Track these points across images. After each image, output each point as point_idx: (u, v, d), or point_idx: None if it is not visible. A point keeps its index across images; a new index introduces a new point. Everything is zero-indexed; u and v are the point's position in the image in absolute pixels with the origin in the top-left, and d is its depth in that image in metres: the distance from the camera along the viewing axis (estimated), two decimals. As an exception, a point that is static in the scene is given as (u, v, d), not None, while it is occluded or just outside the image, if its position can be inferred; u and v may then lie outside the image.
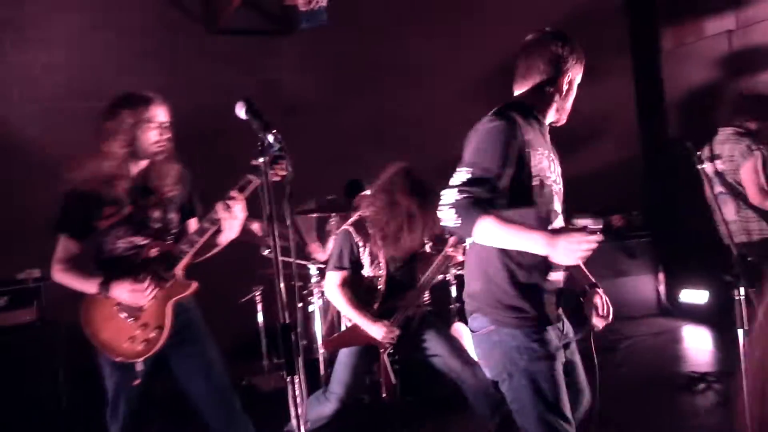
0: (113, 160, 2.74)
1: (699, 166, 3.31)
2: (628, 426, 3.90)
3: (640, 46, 7.56)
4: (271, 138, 2.00)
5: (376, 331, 3.51)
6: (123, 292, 2.72)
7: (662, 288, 6.54)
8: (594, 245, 2.05)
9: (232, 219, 2.70)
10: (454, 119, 6.66)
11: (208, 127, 5.87)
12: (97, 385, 2.90)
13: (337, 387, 3.56)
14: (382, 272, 3.58)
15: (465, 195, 2.12)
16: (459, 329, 4.50)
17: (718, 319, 5.47)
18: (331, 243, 4.80)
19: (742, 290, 2.67)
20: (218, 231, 2.80)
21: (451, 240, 3.66)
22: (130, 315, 2.76)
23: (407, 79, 6.64)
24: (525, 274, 2.30)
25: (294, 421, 1.84)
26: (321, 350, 4.34)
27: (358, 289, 3.61)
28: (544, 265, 2.28)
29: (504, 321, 2.31)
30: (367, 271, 3.60)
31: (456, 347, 3.68)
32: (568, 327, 2.49)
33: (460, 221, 2.11)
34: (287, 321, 1.81)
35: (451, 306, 4.96)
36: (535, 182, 2.29)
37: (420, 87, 6.69)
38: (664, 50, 7.39)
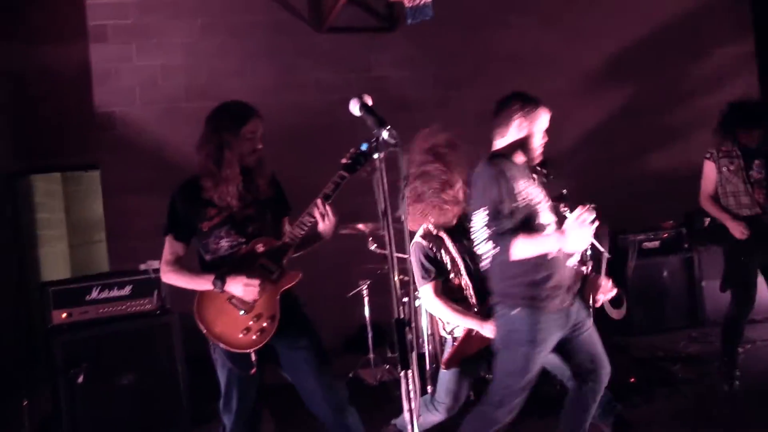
0: (213, 168, 2.89)
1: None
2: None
3: (765, 29, 7.07)
4: (385, 134, 2.02)
5: (489, 329, 3.38)
6: (238, 286, 2.83)
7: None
8: (590, 222, 2.74)
9: (326, 221, 2.89)
10: (564, 112, 6.53)
11: (316, 124, 6.02)
12: (212, 372, 3.02)
13: (445, 397, 3.48)
14: (463, 271, 3.45)
15: (494, 229, 2.85)
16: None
17: None
18: None
19: None
20: (317, 227, 2.94)
21: None
22: (244, 307, 2.86)
23: (516, 71, 6.53)
24: (532, 272, 2.94)
25: (407, 416, 1.85)
26: (442, 368, 4.22)
27: (452, 297, 3.47)
28: (548, 263, 2.94)
29: (515, 304, 2.99)
30: (450, 275, 3.51)
31: None
32: (578, 309, 3.11)
33: (498, 249, 2.85)
34: (401, 316, 1.82)
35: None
36: (522, 203, 2.94)
37: (530, 79, 6.54)
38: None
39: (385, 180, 1.98)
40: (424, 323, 4.39)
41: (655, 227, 6.20)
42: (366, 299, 5.07)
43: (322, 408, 2.99)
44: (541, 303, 2.95)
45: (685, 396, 4.39)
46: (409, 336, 1.88)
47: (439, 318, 3.54)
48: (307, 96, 6.21)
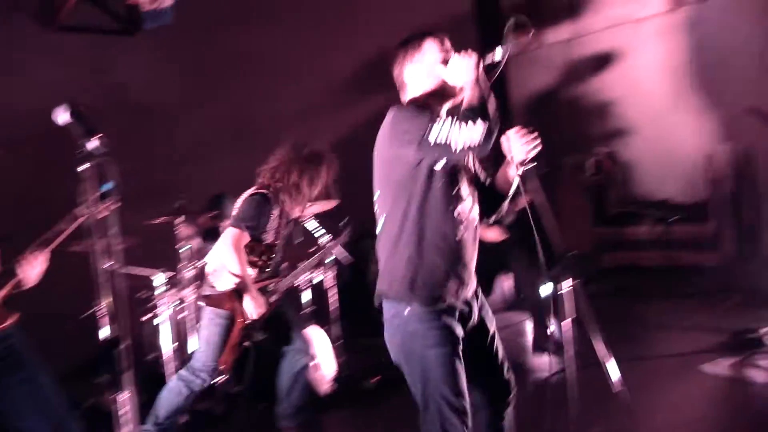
0: None
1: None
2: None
3: (487, 53, 7.90)
4: (94, 144, 1.90)
5: (257, 304, 3.47)
6: None
7: (507, 284, 6.75)
8: None
9: (31, 271, 2.72)
10: (317, 118, 6.66)
11: (44, 131, 5.48)
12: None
13: (211, 362, 3.56)
14: (279, 242, 3.64)
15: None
16: (311, 334, 4.49)
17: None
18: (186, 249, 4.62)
19: (568, 282, 2.89)
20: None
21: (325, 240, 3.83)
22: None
23: (267, 75, 6.55)
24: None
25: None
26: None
27: (251, 254, 3.59)
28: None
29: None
30: (267, 239, 3.61)
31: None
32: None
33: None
34: (115, 336, 1.71)
35: (304, 311, 5.02)
36: None
37: (282, 83, 6.61)
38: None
39: (96, 193, 1.86)
40: (167, 341, 4.20)
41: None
42: (102, 320, 4.75)
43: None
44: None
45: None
46: (150, 355, 1.78)
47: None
48: (35, 100, 5.64)
